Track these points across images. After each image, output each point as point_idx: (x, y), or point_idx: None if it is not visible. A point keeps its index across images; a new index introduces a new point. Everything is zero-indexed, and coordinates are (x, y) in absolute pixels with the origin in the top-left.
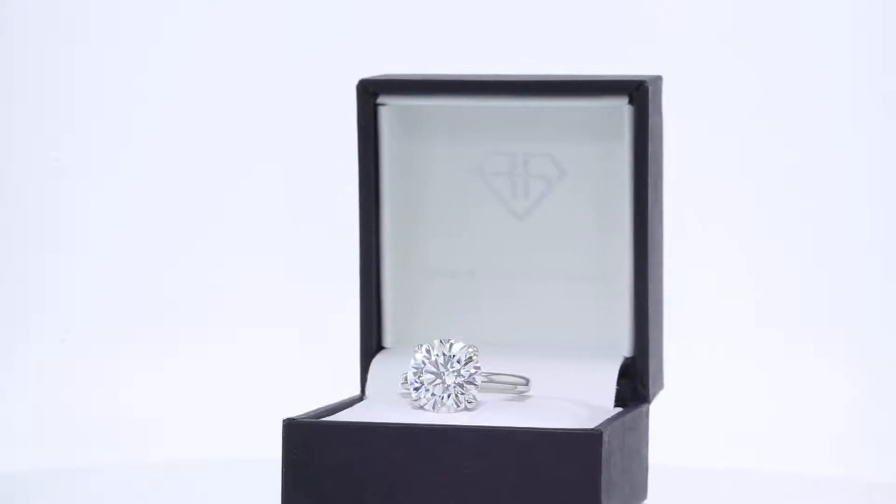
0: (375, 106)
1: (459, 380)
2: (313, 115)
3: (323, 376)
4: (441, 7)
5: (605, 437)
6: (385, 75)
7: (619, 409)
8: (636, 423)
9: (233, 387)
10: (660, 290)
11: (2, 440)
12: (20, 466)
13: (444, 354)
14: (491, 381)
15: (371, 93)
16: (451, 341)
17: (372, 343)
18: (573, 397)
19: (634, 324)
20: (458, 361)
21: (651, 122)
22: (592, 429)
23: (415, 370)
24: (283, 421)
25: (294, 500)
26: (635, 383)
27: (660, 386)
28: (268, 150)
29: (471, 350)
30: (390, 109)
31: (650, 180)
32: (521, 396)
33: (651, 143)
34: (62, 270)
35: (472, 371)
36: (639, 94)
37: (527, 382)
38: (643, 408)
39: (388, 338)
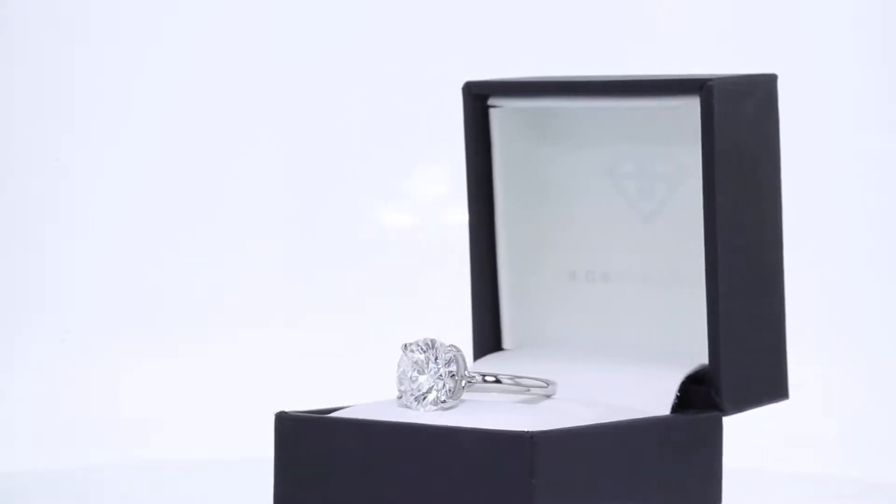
0: (486, 108)
1: (437, 379)
2: (307, 113)
3: (326, 376)
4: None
5: (545, 441)
6: (491, 79)
7: (646, 416)
8: (672, 431)
9: (233, 386)
10: (753, 295)
11: (2, 440)
12: (20, 466)
13: (426, 354)
14: (517, 384)
15: (477, 95)
16: (434, 341)
17: (485, 344)
18: (618, 402)
19: (708, 329)
20: (438, 362)
21: (720, 121)
22: (522, 431)
23: (401, 370)
24: (276, 414)
25: (284, 490)
26: (709, 391)
27: (771, 394)
28: (268, 149)
29: (452, 350)
30: (503, 112)
31: (720, 180)
32: (536, 398)
33: (719, 143)
34: (62, 270)
35: (451, 371)
36: (703, 93)
37: (547, 385)
38: (702, 416)
39: (508, 340)
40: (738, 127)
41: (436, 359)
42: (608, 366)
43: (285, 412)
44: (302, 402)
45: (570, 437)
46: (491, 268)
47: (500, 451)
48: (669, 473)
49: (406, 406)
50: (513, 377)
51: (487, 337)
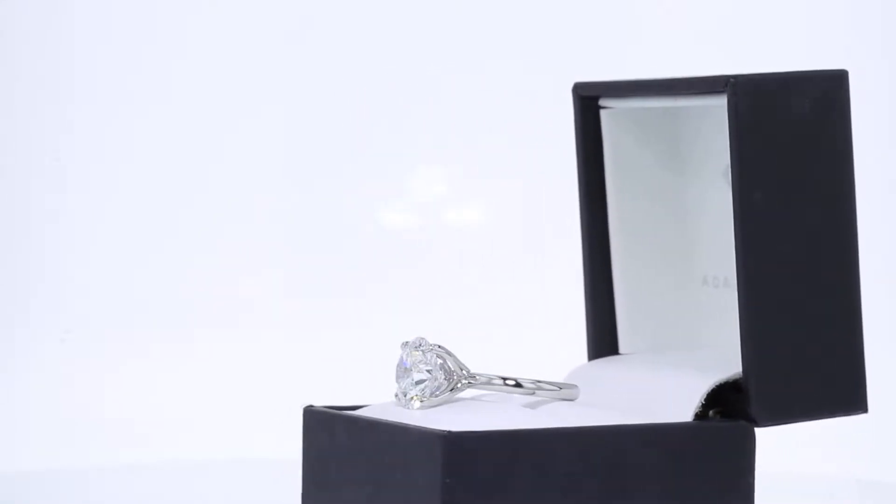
0: (596, 110)
1: (422, 378)
2: (305, 111)
3: (338, 376)
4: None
5: (460, 441)
6: (598, 80)
7: (643, 423)
8: (681, 439)
9: (232, 387)
10: (802, 301)
11: (2, 440)
12: (20, 466)
13: (414, 351)
14: (540, 388)
15: (585, 97)
16: (423, 340)
17: (601, 347)
18: (648, 407)
19: (741, 335)
20: (423, 361)
21: (749, 118)
22: (439, 430)
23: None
24: (304, 408)
25: (308, 480)
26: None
27: (839, 406)
28: (268, 150)
29: (437, 350)
30: (614, 113)
31: (750, 179)
32: (540, 400)
33: (747, 141)
34: (62, 270)
35: (430, 370)
36: (728, 89)
37: (560, 389)
38: (723, 425)
39: (624, 344)
40: (778, 124)
41: (421, 359)
42: (678, 371)
43: (313, 406)
44: (302, 401)
45: (500, 438)
46: (605, 270)
47: (419, 449)
48: (677, 482)
49: (399, 404)
50: (535, 381)
51: (604, 340)
